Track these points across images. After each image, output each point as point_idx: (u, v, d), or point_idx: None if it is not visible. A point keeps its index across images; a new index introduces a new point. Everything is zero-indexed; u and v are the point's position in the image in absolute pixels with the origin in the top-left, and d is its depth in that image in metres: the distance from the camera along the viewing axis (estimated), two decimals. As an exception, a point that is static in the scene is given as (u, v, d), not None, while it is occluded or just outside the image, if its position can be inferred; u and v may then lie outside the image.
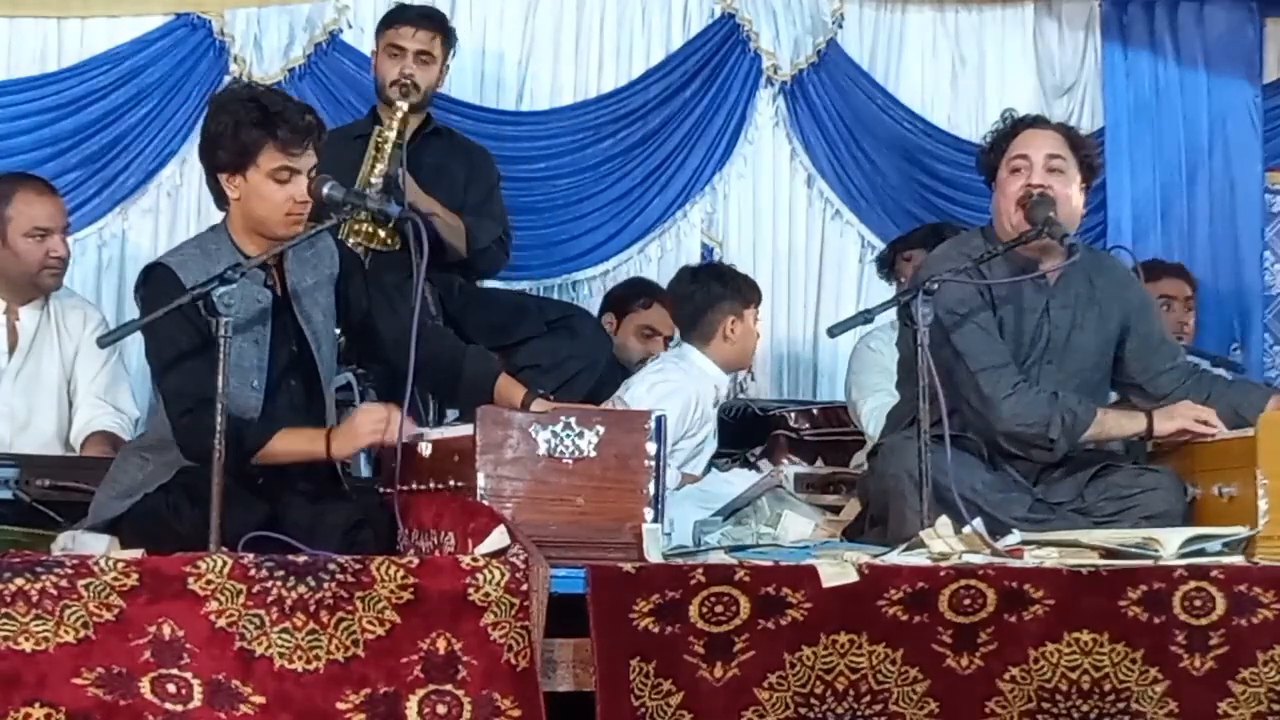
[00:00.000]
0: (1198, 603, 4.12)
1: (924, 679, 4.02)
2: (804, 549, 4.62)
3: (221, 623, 3.71)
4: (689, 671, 3.94)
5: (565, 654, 3.96)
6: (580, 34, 6.94)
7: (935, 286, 4.61)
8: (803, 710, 3.96)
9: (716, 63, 7.01)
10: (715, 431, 5.92)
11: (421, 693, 3.76)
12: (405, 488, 4.36)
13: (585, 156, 6.90)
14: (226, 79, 6.52)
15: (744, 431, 6.39)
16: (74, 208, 6.31)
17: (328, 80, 6.63)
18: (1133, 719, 4.09)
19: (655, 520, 4.24)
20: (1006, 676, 4.04)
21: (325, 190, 4.37)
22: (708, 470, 5.76)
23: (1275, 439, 4.55)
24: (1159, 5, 7.26)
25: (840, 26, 7.11)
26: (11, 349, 5.52)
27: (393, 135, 5.75)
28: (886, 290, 6.37)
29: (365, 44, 6.41)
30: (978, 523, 4.40)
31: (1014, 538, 4.45)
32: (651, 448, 4.27)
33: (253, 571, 3.73)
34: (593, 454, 4.24)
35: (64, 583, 3.67)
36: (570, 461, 4.24)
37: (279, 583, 3.73)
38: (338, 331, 4.63)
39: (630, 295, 6.51)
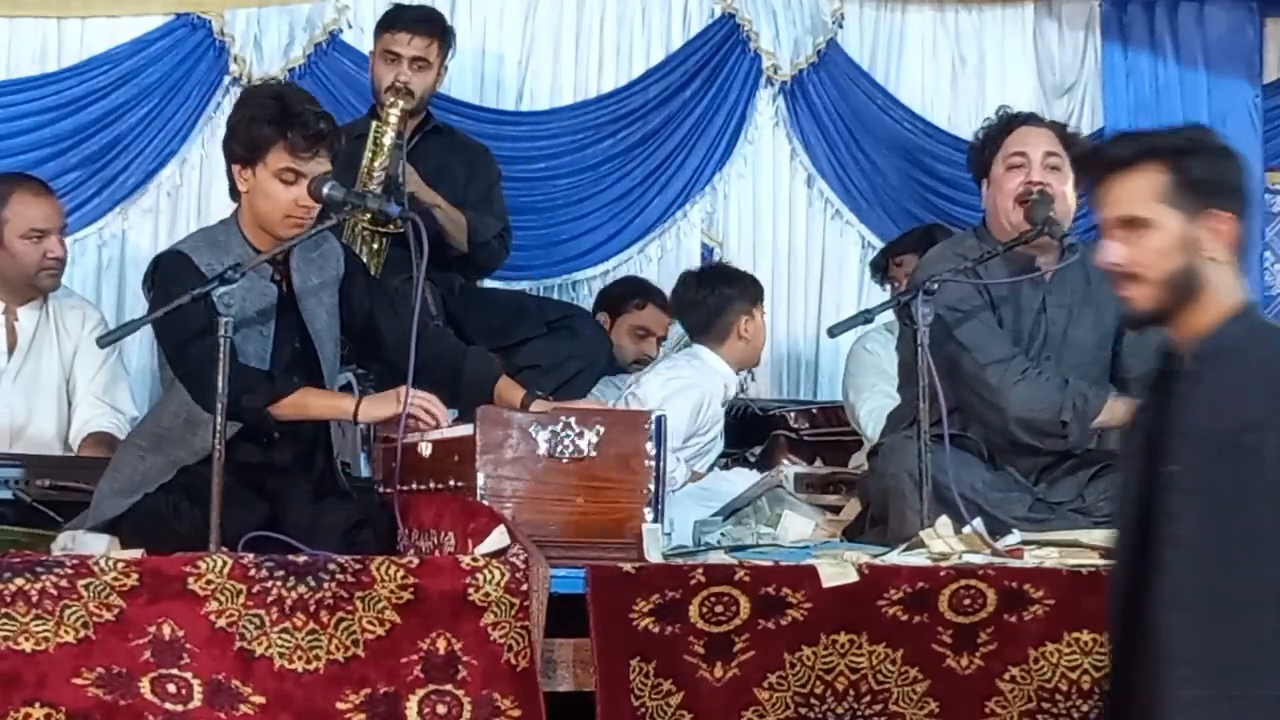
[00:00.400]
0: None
1: (924, 679, 4.02)
2: (804, 549, 4.62)
3: (221, 623, 3.71)
4: (689, 671, 3.94)
5: (565, 654, 3.96)
6: (580, 34, 6.93)
7: (935, 287, 4.62)
8: (803, 710, 3.96)
9: (716, 63, 7.01)
10: (723, 430, 5.93)
11: (421, 693, 3.76)
12: (405, 488, 4.36)
13: (585, 156, 6.90)
14: (226, 79, 6.53)
15: (744, 431, 6.39)
16: (74, 208, 6.32)
17: (327, 80, 6.62)
18: (1133, 719, 4.09)
19: (655, 520, 4.24)
20: (1006, 676, 4.05)
21: (325, 190, 4.37)
22: (711, 469, 5.76)
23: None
24: (1159, 5, 7.26)
25: (840, 26, 7.10)
26: (10, 349, 5.51)
27: (392, 133, 5.74)
28: (884, 292, 6.37)
29: (365, 44, 6.40)
30: (978, 523, 4.41)
31: (1014, 538, 4.46)
32: (651, 448, 4.27)
33: (253, 571, 3.73)
34: (593, 454, 4.24)
35: (64, 583, 3.67)
36: (570, 461, 4.24)
37: (279, 583, 3.73)
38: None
39: (624, 295, 6.51)
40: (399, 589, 3.76)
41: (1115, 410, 4.85)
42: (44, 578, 3.67)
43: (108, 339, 4.44)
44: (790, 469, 5.83)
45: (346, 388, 4.98)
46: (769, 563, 4.12)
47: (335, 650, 3.74)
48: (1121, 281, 3.20)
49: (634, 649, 3.93)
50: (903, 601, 4.00)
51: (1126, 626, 3.17)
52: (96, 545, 4.22)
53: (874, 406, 5.84)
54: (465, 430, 4.25)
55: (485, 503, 4.13)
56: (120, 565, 3.70)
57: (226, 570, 3.72)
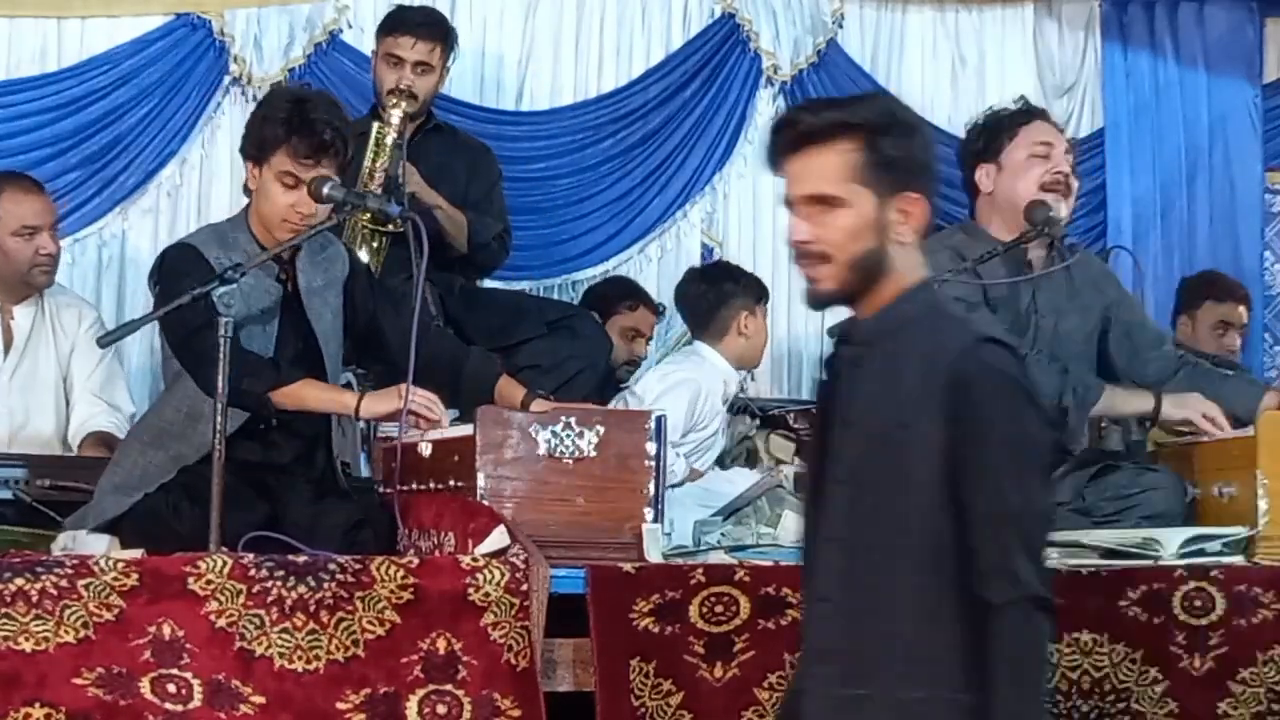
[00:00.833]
0: (1197, 603, 4.12)
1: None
2: (804, 549, 4.61)
3: (221, 623, 3.71)
4: (689, 671, 3.94)
5: (565, 654, 3.96)
6: (580, 34, 6.93)
7: (937, 286, 4.60)
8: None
9: (716, 63, 7.00)
10: (724, 429, 5.93)
11: (421, 693, 3.76)
12: (405, 488, 4.37)
13: (585, 156, 6.89)
14: (226, 79, 6.53)
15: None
16: (74, 208, 6.32)
17: (328, 80, 6.61)
18: (1133, 719, 4.09)
19: (655, 520, 4.25)
20: (1006, 676, 4.04)
21: (325, 190, 4.38)
22: (712, 467, 5.77)
23: (1275, 439, 4.55)
24: (1159, 5, 7.26)
25: (840, 26, 7.10)
26: (7, 348, 5.52)
27: (393, 132, 5.74)
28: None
29: (365, 44, 6.40)
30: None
31: (1014, 538, 4.44)
32: (652, 448, 4.28)
33: (253, 571, 3.73)
34: (593, 454, 4.24)
35: (64, 583, 3.67)
36: (570, 461, 4.24)
37: (279, 583, 3.73)
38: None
39: (615, 296, 6.50)
40: (399, 589, 3.76)
41: (1113, 399, 4.85)
42: (44, 578, 3.67)
43: (108, 339, 4.43)
44: (790, 469, 5.83)
45: (346, 387, 4.98)
46: (769, 563, 4.12)
47: (335, 650, 3.74)
48: (808, 261, 3.07)
49: (634, 649, 3.93)
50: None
51: (803, 620, 3.10)
52: (96, 545, 4.22)
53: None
54: (465, 430, 4.25)
55: (485, 503, 4.14)
56: (120, 565, 3.70)
57: (226, 570, 3.72)
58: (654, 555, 4.16)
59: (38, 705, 3.64)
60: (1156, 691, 4.09)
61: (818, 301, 3.13)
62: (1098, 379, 4.90)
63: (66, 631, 3.66)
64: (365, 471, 5.06)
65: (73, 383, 5.57)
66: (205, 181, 6.53)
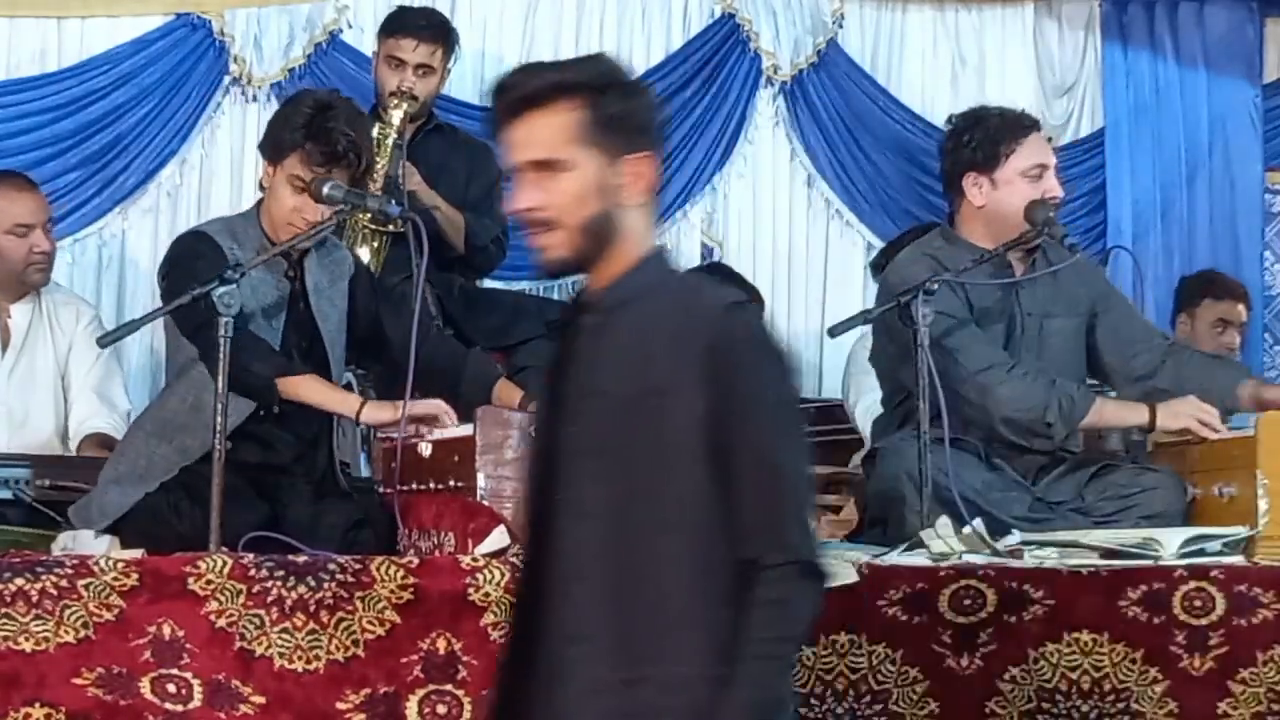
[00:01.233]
0: (1198, 603, 4.12)
1: (924, 679, 4.02)
2: (804, 549, 4.61)
3: (221, 623, 3.71)
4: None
5: (565, 654, 3.95)
6: (580, 34, 6.93)
7: (935, 287, 4.60)
8: (802, 710, 3.96)
9: (716, 63, 7.00)
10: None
11: (421, 693, 3.76)
12: (405, 488, 4.36)
13: (585, 156, 6.89)
14: (226, 79, 6.53)
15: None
16: (74, 208, 6.33)
17: (327, 80, 6.61)
18: (1133, 719, 4.09)
19: (655, 520, 4.24)
20: (1006, 676, 4.05)
21: (325, 190, 4.38)
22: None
23: (1275, 439, 4.54)
24: (1159, 5, 7.26)
25: (840, 26, 7.10)
26: (4, 346, 5.52)
27: (393, 133, 5.74)
28: (883, 293, 6.37)
29: (365, 44, 6.40)
30: (978, 523, 4.40)
31: (1014, 538, 4.45)
32: (651, 448, 4.27)
33: (253, 571, 3.74)
34: (592, 454, 4.24)
35: (64, 583, 3.67)
36: (570, 461, 4.23)
37: (279, 583, 3.73)
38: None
39: None
40: (399, 589, 3.76)
41: (1103, 412, 4.84)
42: (44, 578, 3.67)
43: (107, 339, 4.43)
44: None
45: (346, 388, 4.99)
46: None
47: (335, 650, 3.74)
48: (535, 229, 2.92)
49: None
50: (903, 601, 4.00)
51: (525, 603, 2.91)
52: (96, 545, 4.22)
53: (870, 403, 5.84)
54: (465, 430, 4.25)
55: (485, 503, 4.14)
56: (120, 565, 3.71)
57: (226, 570, 3.72)
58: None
59: (38, 705, 3.65)
60: (1156, 691, 4.09)
61: (551, 271, 2.98)
62: (1088, 391, 4.87)
63: (66, 631, 3.66)
64: (365, 471, 5.06)
65: (71, 380, 5.57)
66: (205, 181, 6.54)
